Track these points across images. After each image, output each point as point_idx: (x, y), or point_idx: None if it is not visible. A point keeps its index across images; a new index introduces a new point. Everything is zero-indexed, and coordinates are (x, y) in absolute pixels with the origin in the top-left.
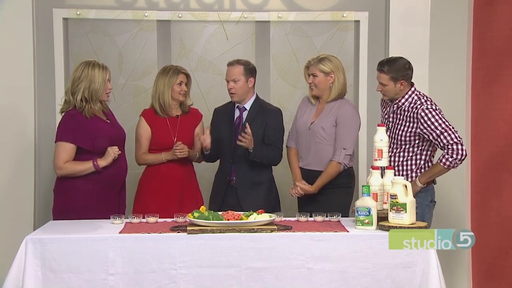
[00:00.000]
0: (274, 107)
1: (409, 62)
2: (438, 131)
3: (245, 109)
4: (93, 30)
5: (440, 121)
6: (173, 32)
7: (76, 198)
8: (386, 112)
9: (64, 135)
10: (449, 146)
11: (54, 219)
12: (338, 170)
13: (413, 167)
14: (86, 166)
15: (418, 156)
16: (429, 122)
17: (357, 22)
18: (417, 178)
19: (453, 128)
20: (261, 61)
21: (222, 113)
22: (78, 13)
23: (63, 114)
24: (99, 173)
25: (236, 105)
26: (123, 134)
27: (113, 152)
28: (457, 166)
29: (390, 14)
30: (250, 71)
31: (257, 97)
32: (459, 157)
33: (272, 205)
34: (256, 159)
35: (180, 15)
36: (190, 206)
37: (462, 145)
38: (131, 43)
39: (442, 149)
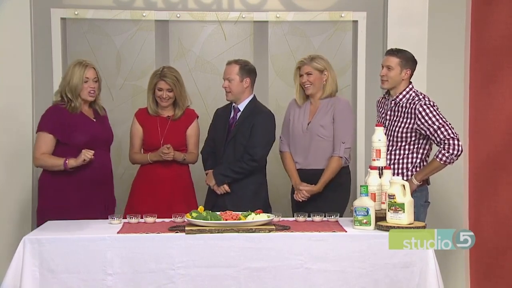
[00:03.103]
0: (266, 110)
1: None
2: (435, 126)
3: (239, 110)
4: (91, 30)
5: (437, 117)
6: (171, 32)
7: (57, 198)
8: (383, 111)
9: (44, 125)
10: (446, 141)
11: (38, 220)
12: (340, 164)
13: (409, 165)
14: (56, 162)
15: (414, 155)
16: (426, 118)
17: (355, 22)
18: (413, 176)
19: (450, 124)
20: (259, 61)
21: (220, 114)
22: (76, 13)
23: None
24: (80, 172)
25: (232, 105)
26: (110, 136)
27: (85, 155)
28: (453, 162)
29: (388, 14)
30: (247, 71)
31: (253, 99)
32: (455, 152)
33: (260, 207)
34: (227, 181)
35: (178, 15)
36: (181, 208)
37: (458, 140)
38: (129, 43)
39: (438, 145)
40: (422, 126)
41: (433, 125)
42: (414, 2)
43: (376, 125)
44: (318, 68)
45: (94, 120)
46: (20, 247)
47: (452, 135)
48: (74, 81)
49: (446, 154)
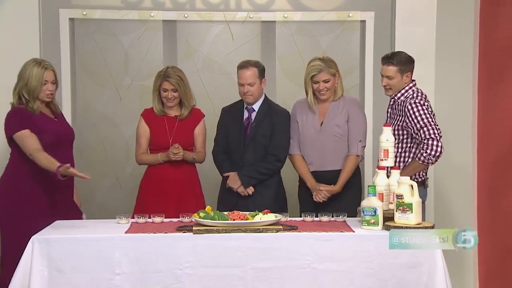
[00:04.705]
0: (283, 109)
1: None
2: (418, 126)
3: (254, 110)
4: (99, 30)
5: (423, 116)
6: (179, 32)
7: (19, 201)
8: (387, 108)
9: (17, 125)
10: (425, 141)
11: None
12: (357, 163)
13: (401, 164)
14: (51, 165)
15: (407, 154)
16: (413, 116)
17: (363, 22)
18: None
19: (435, 125)
20: (266, 61)
21: (231, 114)
22: (84, 13)
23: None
24: (42, 174)
25: (245, 105)
26: (72, 134)
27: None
28: (432, 163)
29: (396, 14)
30: (262, 71)
31: (266, 98)
32: (433, 153)
33: (280, 206)
34: (253, 182)
35: (186, 15)
36: (189, 208)
37: (438, 141)
38: (137, 43)
39: (419, 144)
40: (409, 124)
41: (417, 123)
42: (422, 2)
43: (384, 125)
44: (333, 73)
45: (56, 120)
46: (28, 246)
47: (432, 136)
48: (33, 83)
49: (424, 154)
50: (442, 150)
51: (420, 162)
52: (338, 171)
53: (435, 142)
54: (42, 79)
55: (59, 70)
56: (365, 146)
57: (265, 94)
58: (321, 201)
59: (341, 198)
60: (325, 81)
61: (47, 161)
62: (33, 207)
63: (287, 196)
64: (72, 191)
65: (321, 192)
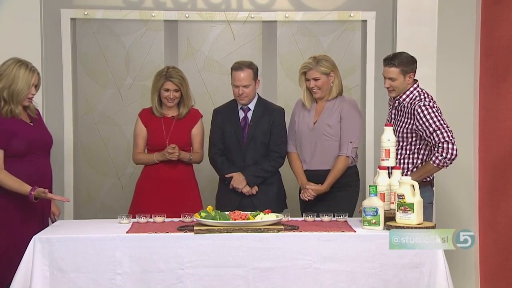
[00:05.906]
0: (278, 107)
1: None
2: (431, 129)
3: (249, 109)
4: (101, 30)
5: (435, 119)
6: (180, 32)
7: None
8: (390, 109)
9: None
10: (440, 145)
11: None
12: (347, 164)
13: (410, 165)
14: (21, 188)
15: (415, 155)
16: (424, 119)
17: (364, 22)
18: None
19: (448, 127)
20: (268, 61)
21: (225, 115)
22: (85, 13)
23: None
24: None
25: (240, 106)
26: (49, 140)
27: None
28: (447, 165)
29: (397, 13)
30: (256, 73)
31: (259, 96)
32: (448, 156)
33: (282, 203)
34: (259, 181)
35: (187, 15)
36: (185, 208)
37: (453, 144)
38: (138, 43)
39: (433, 148)
40: (420, 127)
41: (429, 127)
42: (423, 2)
43: (386, 125)
44: (325, 72)
45: (31, 124)
46: (30, 246)
47: (447, 139)
48: (20, 85)
49: (440, 157)
50: (458, 153)
51: (435, 165)
52: (328, 171)
53: (450, 145)
54: (30, 82)
55: (61, 70)
56: (357, 147)
57: (257, 93)
58: (307, 199)
59: (338, 198)
60: (315, 79)
61: (15, 183)
62: (7, 216)
63: (288, 196)
64: (49, 200)
65: (307, 191)
